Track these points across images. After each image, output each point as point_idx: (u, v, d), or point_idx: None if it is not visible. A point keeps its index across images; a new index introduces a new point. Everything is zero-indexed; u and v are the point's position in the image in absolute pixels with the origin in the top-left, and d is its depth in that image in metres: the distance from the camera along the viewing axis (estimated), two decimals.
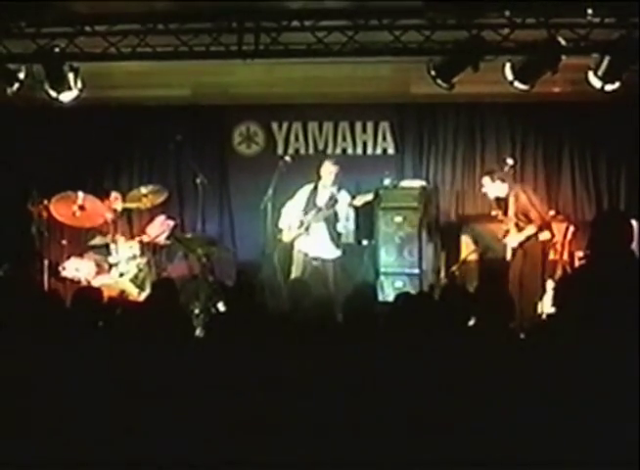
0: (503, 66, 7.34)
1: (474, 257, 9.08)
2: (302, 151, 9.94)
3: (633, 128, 8.72)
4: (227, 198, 10.10)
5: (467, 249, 9.19)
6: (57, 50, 7.48)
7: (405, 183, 9.44)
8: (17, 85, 7.63)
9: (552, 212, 8.63)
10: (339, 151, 9.97)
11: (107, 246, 8.83)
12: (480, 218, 9.22)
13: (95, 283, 8.30)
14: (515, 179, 8.61)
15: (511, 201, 8.20)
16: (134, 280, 8.64)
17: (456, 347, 3.91)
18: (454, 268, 8.94)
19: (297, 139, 10.04)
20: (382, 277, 9.07)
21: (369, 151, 9.98)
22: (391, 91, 9.47)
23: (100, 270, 8.75)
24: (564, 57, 7.17)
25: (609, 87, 7.29)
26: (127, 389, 3.82)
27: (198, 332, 6.25)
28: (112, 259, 8.73)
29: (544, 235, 8.19)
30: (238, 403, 3.69)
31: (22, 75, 7.62)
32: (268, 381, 3.75)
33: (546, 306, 7.73)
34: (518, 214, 8.17)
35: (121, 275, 8.65)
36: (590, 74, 7.31)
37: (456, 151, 9.83)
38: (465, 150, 9.82)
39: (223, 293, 7.90)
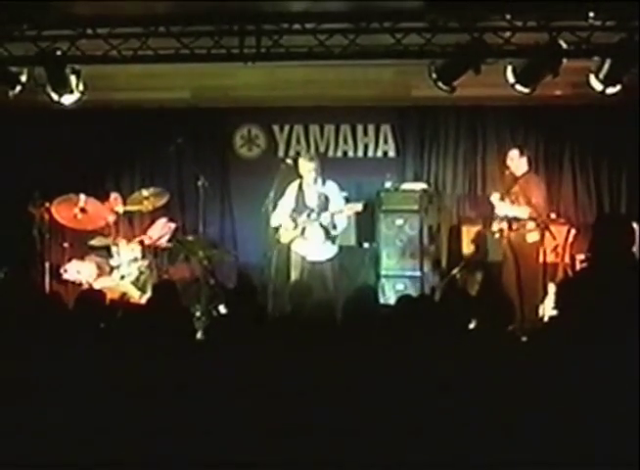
0: (504, 68, 7.36)
1: (475, 259, 9.08)
2: (304, 154, 9.93)
3: (634, 131, 8.72)
4: (228, 200, 10.12)
5: (468, 251, 9.19)
6: (58, 53, 7.50)
7: (406, 186, 9.45)
8: (18, 88, 7.64)
9: (553, 215, 8.62)
10: (340, 153, 10.00)
11: (108, 248, 8.84)
12: (482, 221, 9.22)
13: (96, 285, 8.30)
14: (530, 167, 8.49)
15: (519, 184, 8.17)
16: (135, 283, 8.65)
17: (457, 349, 3.91)
18: (455, 271, 8.95)
19: (298, 142, 10.06)
20: (383, 280, 9.09)
21: (370, 153, 9.99)
22: (393, 94, 9.48)
23: (101, 273, 8.76)
24: (565, 60, 7.18)
25: (610, 90, 7.30)
26: (129, 391, 3.82)
27: (199, 335, 6.24)
28: (113, 262, 8.75)
29: (532, 237, 8.08)
30: (239, 405, 3.69)
31: (23, 78, 7.63)
32: (269, 383, 3.75)
33: (548, 309, 7.72)
34: (519, 198, 8.13)
35: (123, 278, 8.65)
36: (591, 77, 7.32)
37: (457, 154, 9.84)
38: (466, 153, 9.83)
39: (224, 295, 7.92)
